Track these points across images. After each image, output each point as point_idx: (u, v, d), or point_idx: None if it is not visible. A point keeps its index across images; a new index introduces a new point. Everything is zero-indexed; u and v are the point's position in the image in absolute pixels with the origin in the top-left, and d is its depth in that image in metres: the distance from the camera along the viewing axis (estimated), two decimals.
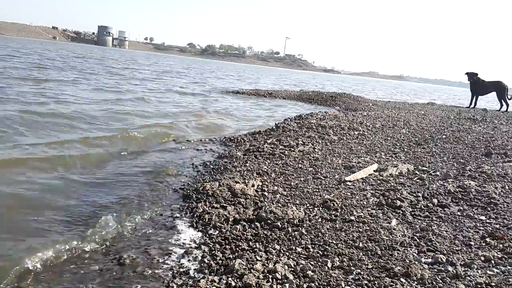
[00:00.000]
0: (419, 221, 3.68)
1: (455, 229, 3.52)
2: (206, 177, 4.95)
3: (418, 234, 3.35)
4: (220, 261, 2.83)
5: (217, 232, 3.33)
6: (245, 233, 3.27)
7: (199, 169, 5.42)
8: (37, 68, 20.10)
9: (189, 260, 2.90)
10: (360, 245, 3.10)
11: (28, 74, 16.30)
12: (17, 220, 3.46)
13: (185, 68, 46.28)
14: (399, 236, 3.29)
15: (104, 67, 27.96)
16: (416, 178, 5.10)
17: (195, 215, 3.70)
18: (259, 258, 2.82)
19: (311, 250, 3.01)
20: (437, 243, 3.18)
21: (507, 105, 16.07)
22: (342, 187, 4.62)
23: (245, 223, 3.47)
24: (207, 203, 3.93)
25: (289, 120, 10.16)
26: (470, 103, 17.04)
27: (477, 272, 2.74)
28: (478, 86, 16.54)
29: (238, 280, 2.54)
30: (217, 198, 4.06)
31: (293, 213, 3.63)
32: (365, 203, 4.10)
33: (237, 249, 3.00)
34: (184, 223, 3.58)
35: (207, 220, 3.54)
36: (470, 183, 4.72)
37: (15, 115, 7.58)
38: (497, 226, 3.58)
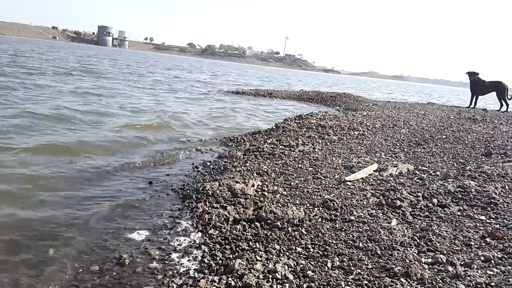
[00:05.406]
0: (419, 221, 3.68)
1: (455, 229, 3.51)
2: (206, 177, 4.94)
3: (418, 234, 3.35)
4: (220, 261, 2.82)
5: (217, 232, 3.33)
6: (245, 233, 3.27)
7: (199, 169, 5.42)
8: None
9: (189, 260, 2.90)
10: (360, 245, 3.10)
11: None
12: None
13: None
14: (399, 236, 3.29)
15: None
16: (416, 178, 5.10)
17: (195, 215, 3.70)
18: (259, 258, 2.82)
19: (311, 250, 3.01)
20: (437, 243, 3.17)
21: (507, 105, 16.06)
22: (342, 187, 4.61)
23: (245, 223, 3.47)
24: (207, 203, 3.93)
25: (289, 120, 10.16)
26: (470, 103, 17.02)
27: (477, 272, 2.73)
28: (478, 86, 16.52)
29: (238, 280, 2.54)
30: (217, 198, 4.05)
31: (293, 213, 3.63)
32: (365, 203, 4.10)
33: (237, 249, 3.00)
34: (184, 223, 3.58)
35: (207, 220, 3.54)
36: (470, 183, 4.71)
37: None
38: (497, 226, 3.58)
